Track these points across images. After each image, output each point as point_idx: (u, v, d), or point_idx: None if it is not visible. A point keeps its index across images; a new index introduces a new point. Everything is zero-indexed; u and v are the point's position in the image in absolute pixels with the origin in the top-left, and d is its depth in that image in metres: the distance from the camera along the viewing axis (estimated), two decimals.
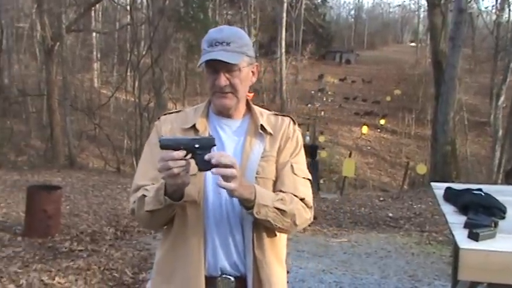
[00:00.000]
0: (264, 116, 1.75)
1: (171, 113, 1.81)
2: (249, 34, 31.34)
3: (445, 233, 6.71)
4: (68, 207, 8.27)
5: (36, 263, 4.98)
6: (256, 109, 1.77)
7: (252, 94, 1.80)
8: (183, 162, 1.43)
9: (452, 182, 9.41)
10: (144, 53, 18.76)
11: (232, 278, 1.62)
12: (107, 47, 27.91)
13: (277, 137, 1.71)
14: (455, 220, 2.34)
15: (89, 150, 20.86)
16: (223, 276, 1.62)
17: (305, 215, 1.67)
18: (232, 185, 1.45)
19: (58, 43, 16.94)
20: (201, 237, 1.60)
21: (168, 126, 1.73)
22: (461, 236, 2.15)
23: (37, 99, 21.43)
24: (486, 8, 68.96)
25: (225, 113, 1.71)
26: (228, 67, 1.60)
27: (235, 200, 1.58)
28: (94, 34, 26.80)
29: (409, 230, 7.42)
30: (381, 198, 10.89)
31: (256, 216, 1.55)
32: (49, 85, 17.27)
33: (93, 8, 23.28)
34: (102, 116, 22.88)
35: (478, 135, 27.87)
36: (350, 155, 20.08)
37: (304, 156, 1.79)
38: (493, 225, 2.19)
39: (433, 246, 6.33)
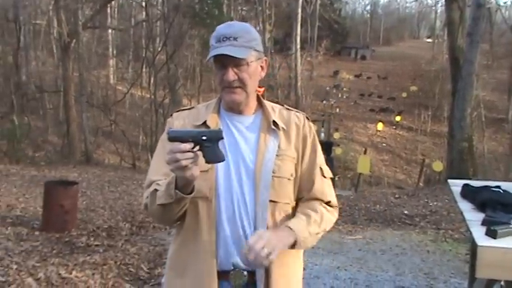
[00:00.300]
0: (276, 111, 1.75)
1: (184, 109, 1.82)
2: (264, 30, 31.31)
3: (461, 231, 6.65)
4: (84, 202, 8.35)
5: (53, 257, 5.04)
6: (268, 104, 1.76)
7: (262, 89, 1.79)
8: (191, 155, 1.44)
9: (469, 179, 9.32)
10: (159, 49, 18.84)
11: (245, 272, 1.62)
12: (122, 44, 28.09)
13: (291, 133, 1.71)
14: (473, 217, 2.32)
15: (105, 146, 21.02)
16: (236, 269, 1.62)
17: (333, 219, 1.74)
18: (275, 252, 1.49)
19: (74, 40, 17.09)
20: (213, 233, 1.61)
21: (181, 122, 1.74)
22: (479, 234, 2.13)
23: (54, 95, 21.65)
24: (505, 3, 68.14)
25: (235, 109, 1.70)
26: (236, 62, 1.60)
27: (247, 196, 1.61)
28: (110, 31, 26.99)
29: (425, 227, 7.36)
30: (396, 196, 10.81)
31: (298, 249, 1.63)
32: (66, 81, 17.45)
33: (108, 4, 23.44)
34: (118, 112, 23.03)
35: (495, 132, 27.53)
36: (365, 152, 19.99)
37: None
38: (511, 222, 2.17)
39: (449, 244, 6.27)
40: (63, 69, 17.76)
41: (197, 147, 1.47)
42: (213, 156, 1.49)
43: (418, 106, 30.27)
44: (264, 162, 1.63)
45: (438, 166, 13.47)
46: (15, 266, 4.54)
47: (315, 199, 1.71)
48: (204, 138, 1.47)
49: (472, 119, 14.36)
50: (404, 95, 32.71)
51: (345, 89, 35.83)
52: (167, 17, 18.12)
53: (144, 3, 21.55)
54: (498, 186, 2.59)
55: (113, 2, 24.69)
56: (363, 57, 46.91)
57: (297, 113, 1.78)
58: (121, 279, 4.63)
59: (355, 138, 29.15)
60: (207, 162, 1.50)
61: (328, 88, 34.29)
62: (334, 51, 43.74)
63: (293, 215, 1.67)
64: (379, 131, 27.46)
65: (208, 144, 1.48)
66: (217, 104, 1.75)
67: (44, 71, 23.30)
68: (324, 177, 1.73)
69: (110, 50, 28.90)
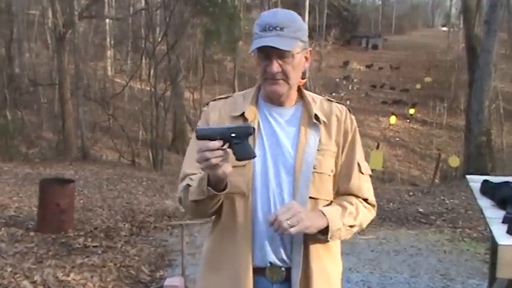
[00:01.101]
0: (317, 102, 1.76)
1: (220, 98, 1.84)
2: None
3: (480, 229, 6.64)
4: (81, 201, 8.38)
5: (50, 259, 5.06)
6: (309, 95, 1.77)
7: (304, 80, 1.79)
8: (220, 152, 1.47)
9: (487, 174, 9.29)
10: (159, 39, 18.81)
11: (283, 268, 1.65)
12: (120, 34, 28.05)
13: (332, 127, 1.72)
14: (493, 215, 2.32)
15: (103, 142, 21.07)
16: (273, 265, 1.65)
17: (370, 217, 1.76)
18: (304, 224, 1.53)
19: (70, 30, 17.10)
20: (249, 230, 1.64)
21: (217, 113, 1.76)
22: (499, 232, 2.12)
23: (49, 89, 21.68)
24: None
25: (275, 101, 1.72)
26: (281, 53, 1.61)
27: (285, 193, 1.63)
28: (107, 20, 26.96)
29: (441, 226, 7.36)
30: (411, 193, 10.80)
31: (329, 240, 1.63)
32: (61, 74, 17.48)
33: None
34: (116, 106, 23.06)
35: None
36: (377, 147, 19.93)
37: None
38: None
39: (466, 243, 6.26)
40: (58, 61, 17.79)
41: (227, 145, 1.50)
42: (244, 153, 1.52)
43: (433, 98, 30.14)
44: (305, 157, 1.65)
45: (455, 161, 13.40)
46: (9, 269, 4.56)
47: (351, 195, 1.74)
48: (233, 135, 1.50)
49: (490, 111, 14.33)
50: (418, 86, 32.52)
51: (355, 80, 35.75)
52: (168, 5, 18.07)
53: None
54: None
55: None
56: (375, 47, 46.75)
57: (339, 105, 1.79)
58: (121, 282, 4.65)
59: (366, 132, 29.08)
60: (238, 159, 1.53)
61: (337, 79, 34.21)
62: (343, 40, 43.55)
63: None
64: (392, 124, 27.39)
65: (238, 141, 1.51)
66: (256, 94, 1.76)
67: (38, 63, 23.35)
68: (362, 173, 1.75)
69: (108, 40, 28.89)
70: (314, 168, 1.64)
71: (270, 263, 1.64)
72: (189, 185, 1.65)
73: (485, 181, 2.67)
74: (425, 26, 63.01)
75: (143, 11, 22.03)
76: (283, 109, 1.73)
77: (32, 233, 6.10)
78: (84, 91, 19.17)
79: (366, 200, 1.75)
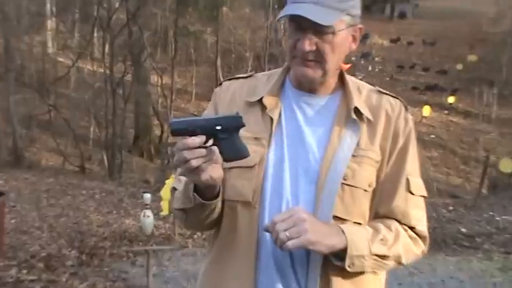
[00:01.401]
0: (364, 93, 1.75)
1: (239, 77, 1.84)
2: None
3: None
4: (13, 221, 8.35)
5: None
6: (352, 83, 1.76)
7: (348, 65, 1.78)
8: (202, 151, 1.44)
9: None
10: (117, 5, 18.77)
11: None
12: None
13: (378, 127, 1.70)
14: None
15: (41, 141, 20.98)
16: None
17: (415, 251, 1.70)
18: (307, 238, 1.49)
19: None
20: (253, 249, 1.63)
21: (228, 95, 1.77)
22: None
23: None
24: None
25: (306, 86, 1.71)
26: (318, 27, 1.57)
27: (303, 206, 1.59)
28: None
29: (490, 250, 7.41)
30: (450, 207, 10.86)
31: (348, 269, 1.57)
32: None
33: None
34: (59, 94, 22.92)
35: None
36: None
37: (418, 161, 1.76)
38: None
39: None
40: None
41: (211, 141, 1.48)
42: (232, 151, 1.50)
43: (479, 82, 30.27)
44: (334, 162, 1.62)
45: (508, 165, 13.48)
46: None
47: (392, 218, 1.69)
48: (218, 128, 1.48)
49: None
50: (459, 67, 32.70)
51: (377, 59, 35.90)
52: None
53: None
54: None
55: None
56: (402, 15, 47.01)
57: (391, 99, 1.77)
58: None
59: None
60: (225, 159, 1.51)
61: (353, 58, 34.29)
62: (362, 6, 43.67)
63: None
64: (425, 117, 27.47)
65: (225, 136, 1.49)
66: (283, 76, 1.76)
67: None
68: (411, 193, 1.70)
69: (48, 7, 28.79)
70: (344, 178, 1.61)
71: None
72: (175, 189, 1.66)
73: None
74: None
75: None
76: (315, 98, 1.71)
77: None
78: (17, 74, 19.07)
79: (412, 228, 1.69)
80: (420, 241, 1.70)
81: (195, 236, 7.90)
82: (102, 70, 19.82)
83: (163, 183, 7.41)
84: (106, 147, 18.17)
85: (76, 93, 24.03)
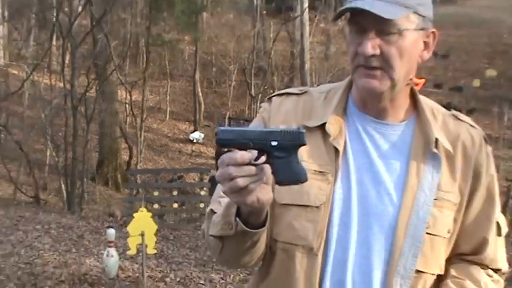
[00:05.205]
0: (439, 118, 1.74)
1: (291, 93, 1.81)
2: None
3: None
4: None
5: None
6: (426, 105, 1.74)
7: (422, 80, 1.77)
8: (252, 169, 1.40)
9: None
10: (80, 9, 18.83)
11: None
12: (18, 1, 28.12)
13: (458, 162, 1.69)
14: None
15: None
16: None
17: None
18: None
19: None
20: None
21: (281, 116, 1.73)
22: None
23: None
24: None
25: (372, 107, 1.69)
26: (381, 26, 1.56)
27: (375, 257, 1.61)
28: None
29: None
30: None
31: None
32: None
33: None
34: (11, 112, 22.93)
35: None
36: None
37: None
38: None
39: None
40: None
41: (263, 158, 1.43)
42: (288, 173, 1.45)
43: (499, 101, 30.61)
44: (415, 207, 1.61)
45: None
46: None
47: (478, 264, 1.74)
48: (273, 143, 1.43)
49: None
50: (476, 83, 32.98)
51: None
52: None
53: None
54: None
55: None
56: None
57: (471, 128, 1.76)
58: None
59: None
60: (278, 182, 1.46)
61: None
62: None
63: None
64: None
65: (282, 155, 1.44)
66: (345, 95, 1.74)
67: None
68: (499, 236, 1.74)
69: None
70: (427, 227, 1.62)
71: None
72: (213, 211, 1.65)
73: None
74: None
75: None
76: (387, 126, 1.70)
77: None
78: None
79: (497, 270, 1.76)
80: (501, 279, 1.78)
81: (168, 279, 7.85)
82: (61, 84, 19.80)
83: (132, 217, 7.35)
84: (65, 174, 18.08)
85: (31, 111, 24.02)
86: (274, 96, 1.80)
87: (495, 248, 1.73)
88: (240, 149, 1.40)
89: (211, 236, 1.61)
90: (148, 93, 23.57)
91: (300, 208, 1.59)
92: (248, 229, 1.50)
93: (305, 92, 1.79)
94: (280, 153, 1.43)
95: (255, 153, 1.41)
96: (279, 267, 1.65)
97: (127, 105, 23.26)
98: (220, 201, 1.61)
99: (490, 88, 32.74)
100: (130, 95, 22.69)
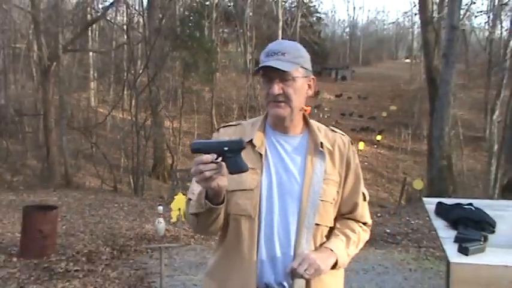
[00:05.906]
0: (322, 132, 1.77)
1: (230, 125, 1.84)
2: (245, 51, 31.56)
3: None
4: (64, 227, 8.25)
5: (31, 284, 4.96)
6: (314, 124, 1.78)
7: (309, 108, 1.81)
8: (213, 165, 1.46)
9: (450, 197, 9.46)
10: (140, 71, 18.83)
11: None
12: (103, 66, 27.96)
13: (335, 156, 1.73)
14: (446, 235, 2.37)
15: (86, 169, 20.80)
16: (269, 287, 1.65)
17: (367, 238, 1.81)
18: (321, 271, 1.58)
19: (55, 63, 17.00)
20: (254, 252, 1.64)
21: (226, 139, 1.76)
22: (451, 251, 2.18)
23: (33, 118, 21.42)
24: (479, 24, 69.81)
25: (280, 125, 1.72)
26: (282, 76, 1.63)
27: (291, 218, 1.64)
28: (91, 53, 26.91)
29: (407, 245, 7.42)
30: (379, 214, 10.88)
31: (336, 270, 1.68)
32: (45, 105, 17.30)
33: (89, 27, 23.47)
34: (99, 135, 22.86)
35: (473, 150, 27.91)
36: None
37: None
38: (482, 239, 2.21)
39: (430, 262, 6.33)
40: (43, 92, 17.61)
41: (220, 158, 1.49)
42: (236, 166, 1.51)
43: (398, 125, 30.59)
44: (312, 185, 1.65)
45: (419, 184, 13.60)
46: None
47: (352, 219, 1.78)
48: (225, 148, 1.49)
49: (450, 137, 14.59)
50: (384, 114, 33.06)
51: (326, 109, 36.11)
52: (148, 40, 18.16)
53: (125, 26, 21.63)
54: (470, 204, 2.64)
55: (94, 25, 24.72)
56: (343, 78, 47.43)
57: (342, 136, 1.80)
58: None
59: None
60: (230, 173, 1.51)
61: (309, 107, 34.49)
62: (315, 72, 43.89)
63: (329, 235, 1.72)
64: (361, 150, 27.64)
65: (231, 155, 1.50)
66: (263, 122, 1.77)
67: (23, 95, 23.06)
68: (364, 201, 1.79)
69: (91, 72, 28.77)
70: (320, 196, 1.65)
71: (266, 285, 1.64)
72: (190, 199, 1.66)
73: (439, 203, 2.72)
74: (390, 58, 64.15)
75: (125, 45, 22.06)
76: (290, 137, 1.73)
77: (14, 259, 5.97)
78: (68, 121, 19.00)
79: (365, 223, 1.81)
80: (368, 230, 1.83)
81: (196, 237, 7.86)
82: (129, 118, 19.77)
83: (173, 198, 7.36)
84: (132, 172, 18.06)
85: (111, 134, 23.95)
86: (220, 127, 1.83)
87: (362, 209, 1.78)
88: (206, 153, 1.47)
89: (190, 214, 1.63)
90: (183, 122, 23.48)
91: (241, 191, 1.62)
92: (213, 205, 1.55)
93: (239, 123, 1.82)
94: (230, 155, 1.50)
95: (214, 155, 1.47)
96: (232, 231, 1.67)
97: (170, 130, 23.19)
98: (194, 193, 1.64)
99: (392, 117, 32.75)
100: (172, 124, 22.63)
